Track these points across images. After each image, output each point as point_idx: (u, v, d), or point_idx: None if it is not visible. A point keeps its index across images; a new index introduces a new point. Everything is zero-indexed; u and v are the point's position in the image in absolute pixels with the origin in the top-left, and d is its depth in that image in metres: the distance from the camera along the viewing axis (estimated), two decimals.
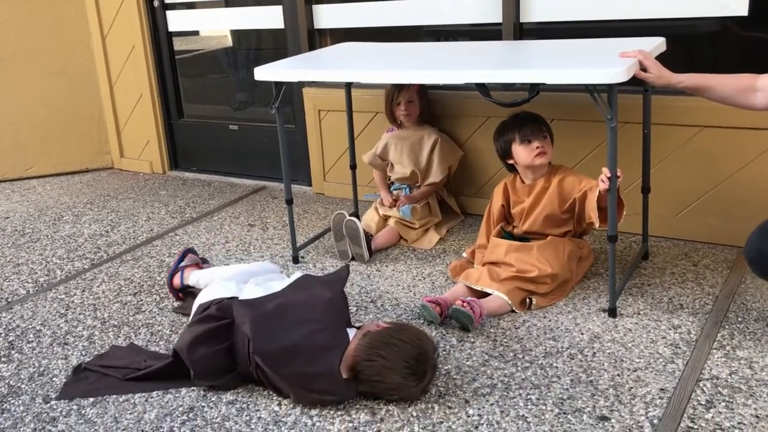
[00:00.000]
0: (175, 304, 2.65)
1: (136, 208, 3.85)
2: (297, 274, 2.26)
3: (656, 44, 2.42)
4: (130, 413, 2.00)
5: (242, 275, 2.39)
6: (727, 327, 2.22)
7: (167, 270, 2.97)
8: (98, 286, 2.88)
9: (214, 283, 2.35)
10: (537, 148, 2.50)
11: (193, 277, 2.61)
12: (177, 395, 2.06)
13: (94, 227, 3.59)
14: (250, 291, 2.20)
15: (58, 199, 4.10)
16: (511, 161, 2.62)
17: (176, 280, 2.63)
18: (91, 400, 2.07)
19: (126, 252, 3.23)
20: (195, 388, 2.09)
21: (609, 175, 2.21)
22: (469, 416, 1.87)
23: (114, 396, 2.08)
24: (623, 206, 2.30)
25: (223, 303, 2.13)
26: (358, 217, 3.17)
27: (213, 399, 2.03)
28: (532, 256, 2.45)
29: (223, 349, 2.05)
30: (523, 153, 2.53)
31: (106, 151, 4.69)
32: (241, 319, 2.04)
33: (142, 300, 2.72)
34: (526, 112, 2.57)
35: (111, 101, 4.54)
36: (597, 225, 2.37)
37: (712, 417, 1.80)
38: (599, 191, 2.29)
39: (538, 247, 2.48)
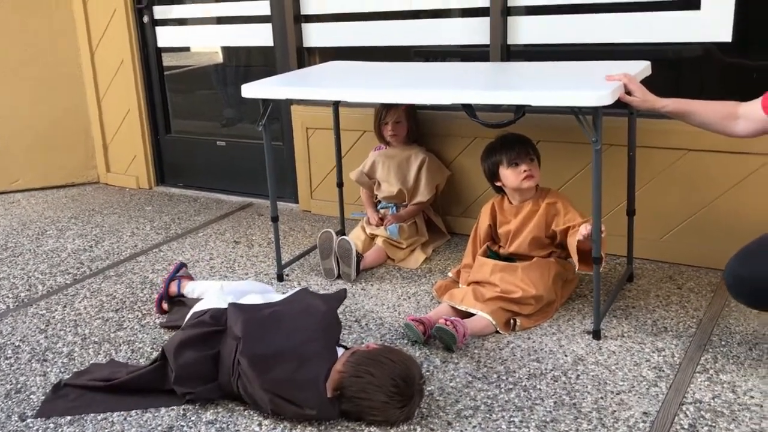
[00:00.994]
0: (158, 320, 2.63)
1: (120, 224, 3.82)
2: (295, 289, 2.26)
3: (641, 68, 2.44)
4: None
5: (239, 292, 2.39)
6: (710, 350, 2.22)
7: (150, 286, 2.95)
8: (80, 302, 2.84)
9: (211, 295, 2.37)
10: (524, 171, 2.51)
11: (189, 287, 2.65)
12: (156, 414, 2.03)
13: (78, 242, 3.56)
14: (249, 300, 2.23)
15: (42, 213, 4.06)
16: (498, 183, 2.62)
17: (173, 287, 2.67)
18: (69, 418, 2.04)
19: (109, 268, 3.20)
20: (174, 407, 2.06)
21: (587, 235, 2.27)
22: None
23: (92, 414, 2.05)
24: (602, 257, 2.30)
25: (217, 312, 2.15)
26: (344, 234, 3.15)
27: (192, 419, 2.00)
28: (517, 277, 2.45)
29: (209, 356, 2.05)
30: (510, 176, 2.54)
31: (93, 166, 4.67)
32: (233, 320, 2.05)
33: (123, 317, 2.69)
34: (513, 134, 2.58)
35: (98, 115, 4.52)
36: (576, 269, 2.38)
37: None
38: (578, 238, 2.32)
39: (523, 268, 2.48)
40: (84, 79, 4.49)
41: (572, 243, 2.37)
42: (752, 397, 1.97)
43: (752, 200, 2.68)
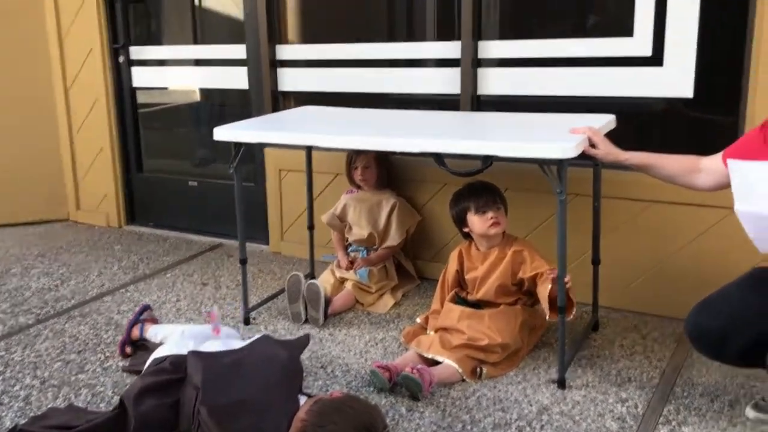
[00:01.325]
0: (121, 363, 2.58)
1: (88, 263, 3.77)
2: (257, 335, 2.25)
3: (606, 121, 2.50)
4: None
5: (201, 336, 2.36)
6: (673, 402, 2.24)
7: (115, 328, 2.90)
8: (41, 343, 2.79)
9: (172, 341, 2.34)
10: (491, 218, 2.54)
11: (151, 330, 2.62)
12: None
13: (43, 281, 3.50)
14: (210, 346, 2.21)
15: (8, 251, 3.99)
16: (466, 229, 2.65)
17: (135, 332, 2.64)
18: None
19: (74, 308, 3.15)
20: None
21: (553, 275, 2.31)
22: None
23: None
24: (573, 304, 2.33)
25: (177, 358, 2.12)
26: (314, 278, 3.15)
27: None
28: (484, 325, 2.46)
29: (168, 404, 2.02)
30: (477, 222, 2.57)
31: (62, 203, 4.62)
32: (193, 369, 2.02)
33: (86, 359, 2.64)
34: (481, 182, 2.62)
35: (70, 153, 4.49)
36: (548, 317, 2.39)
37: None
38: (549, 286, 2.34)
39: (490, 316, 2.49)
40: (57, 117, 4.47)
41: (543, 292, 2.38)
42: None
43: (713, 252, 2.73)
